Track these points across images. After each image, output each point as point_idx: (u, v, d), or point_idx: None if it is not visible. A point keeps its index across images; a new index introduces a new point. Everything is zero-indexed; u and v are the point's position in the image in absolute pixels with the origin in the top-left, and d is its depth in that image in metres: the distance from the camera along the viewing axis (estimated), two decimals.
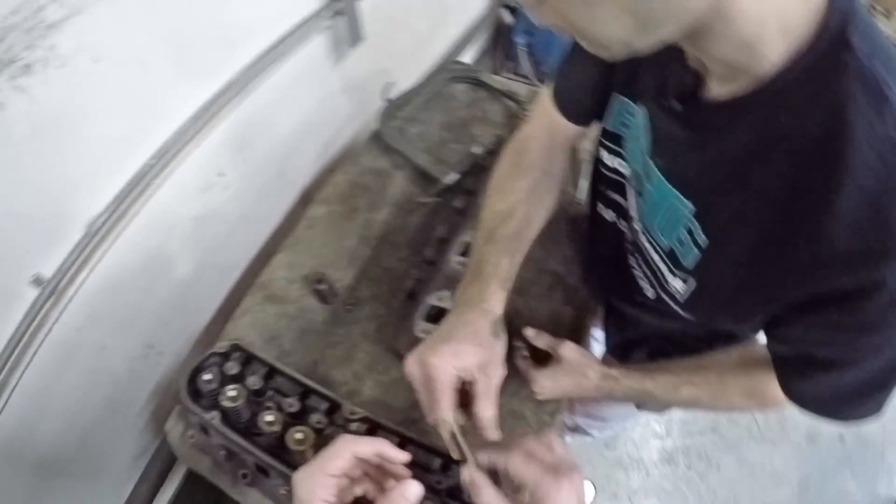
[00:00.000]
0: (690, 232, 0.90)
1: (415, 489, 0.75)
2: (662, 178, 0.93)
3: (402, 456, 0.83)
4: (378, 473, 0.84)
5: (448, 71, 2.13)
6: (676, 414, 3.12)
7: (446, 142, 1.92)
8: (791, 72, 0.67)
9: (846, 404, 0.90)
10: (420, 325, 1.22)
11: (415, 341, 1.18)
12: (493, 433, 1.01)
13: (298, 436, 1.09)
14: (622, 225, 1.23)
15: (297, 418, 1.19)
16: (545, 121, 1.29)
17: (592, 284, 1.55)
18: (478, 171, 1.72)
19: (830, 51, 0.65)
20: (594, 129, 1.20)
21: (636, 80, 0.98)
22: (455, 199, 1.62)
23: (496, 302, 1.11)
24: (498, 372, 1.05)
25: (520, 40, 3.72)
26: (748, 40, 0.66)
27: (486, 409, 1.01)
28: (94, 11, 1.06)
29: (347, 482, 0.79)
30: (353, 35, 1.95)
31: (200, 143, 1.44)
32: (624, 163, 1.11)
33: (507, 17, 3.80)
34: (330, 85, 2.04)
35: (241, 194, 1.74)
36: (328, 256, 1.58)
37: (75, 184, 1.19)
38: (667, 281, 1.02)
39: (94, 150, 1.19)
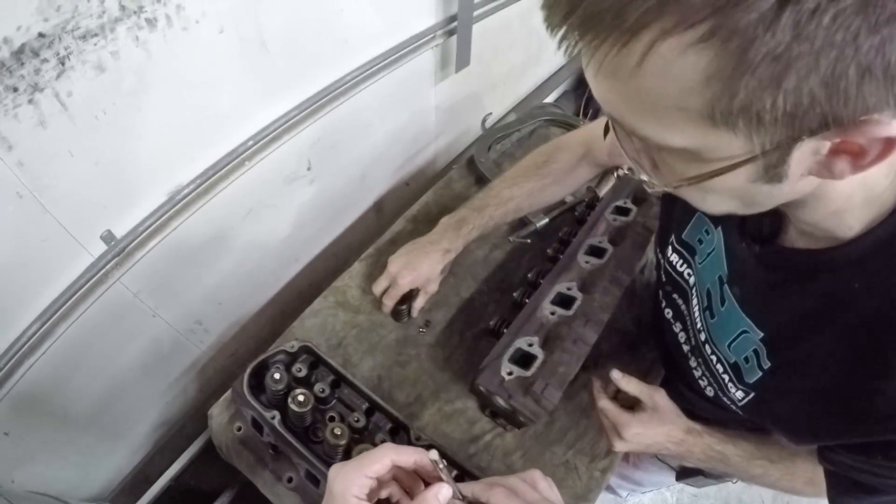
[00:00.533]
0: (757, 354, 0.93)
1: (446, 491, 0.77)
2: (736, 305, 0.96)
3: (438, 465, 0.83)
4: (408, 479, 0.85)
5: (546, 112, 2.11)
6: (688, 488, 3.04)
7: None
8: (867, 244, 0.71)
9: None
10: (507, 367, 1.19)
11: (500, 381, 1.17)
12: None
13: (337, 430, 1.09)
14: (678, 327, 1.24)
15: (360, 434, 1.18)
16: (588, 138, 1.46)
17: (658, 356, 1.53)
18: (569, 220, 1.70)
19: None
20: None
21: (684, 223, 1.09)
22: (545, 244, 1.61)
23: (456, 250, 1.46)
24: (434, 288, 1.50)
25: None
26: (836, 210, 0.70)
27: (419, 304, 1.47)
28: None
29: (377, 484, 0.80)
30: (462, 58, 1.93)
31: (297, 133, 1.43)
32: (691, 272, 1.13)
33: None
34: (425, 101, 2.01)
35: (322, 191, 1.71)
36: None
37: (169, 149, 1.16)
38: (728, 389, 1.05)
39: (196, 120, 1.17)
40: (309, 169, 1.58)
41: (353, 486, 0.74)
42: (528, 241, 1.68)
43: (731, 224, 0.95)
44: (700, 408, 1.30)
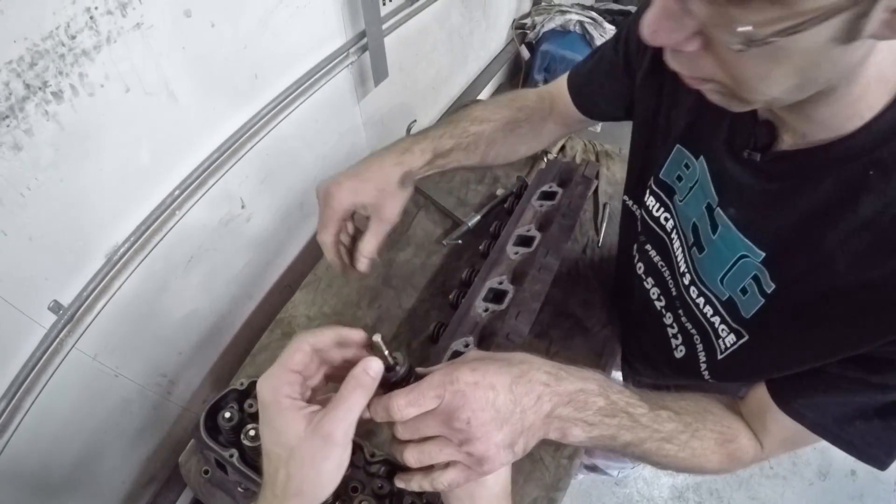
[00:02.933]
0: (757, 280, 0.90)
1: (376, 365, 0.73)
2: (733, 227, 0.93)
3: (359, 334, 0.80)
4: (335, 370, 0.81)
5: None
6: None
7: (468, 183, 1.93)
8: (881, 127, 0.70)
9: (867, 440, 0.88)
10: None
11: None
12: (363, 265, 1.16)
13: None
14: (650, 283, 1.23)
15: None
16: (551, 94, 1.38)
17: (615, 334, 1.55)
18: (501, 213, 1.74)
19: None
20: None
21: (698, 133, 1.00)
22: (477, 242, 1.63)
23: (418, 158, 1.18)
24: (392, 216, 1.15)
25: (538, 77, 3.80)
26: (855, 100, 0.69)
27: (368, 243, 1.14)
28: (126, 41, 1.08)
29: (302, 380, 0.75)
30: (378, 72, 1.98)
31: (224, 174, 1.47)
32: (669, 215, 1.12)
33: (525, 54, 3.86)
34: (352, 119, 2.06)
35: (261, 226, 1.75)
36: (349, 295, 1.58)
37: (99, 212, 1.20)
38: (718, 335, 1.02)
39: (119, 180, 1.21)
40: (243, 207, 1.62)
41: (282, 386, 0.71)
42: (460, 241, 1.73)
43: (717, 147, 0.94)
44: (660, 374, 1.34)
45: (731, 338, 0.98)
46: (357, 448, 1.20)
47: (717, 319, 1.01)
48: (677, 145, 1.05)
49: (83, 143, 1.09)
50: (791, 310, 0.86)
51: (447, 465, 0.77)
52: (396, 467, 1.16)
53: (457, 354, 1.26)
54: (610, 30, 4.06)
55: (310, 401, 0.74)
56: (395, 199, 1.15)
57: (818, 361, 0.84)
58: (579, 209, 1.56)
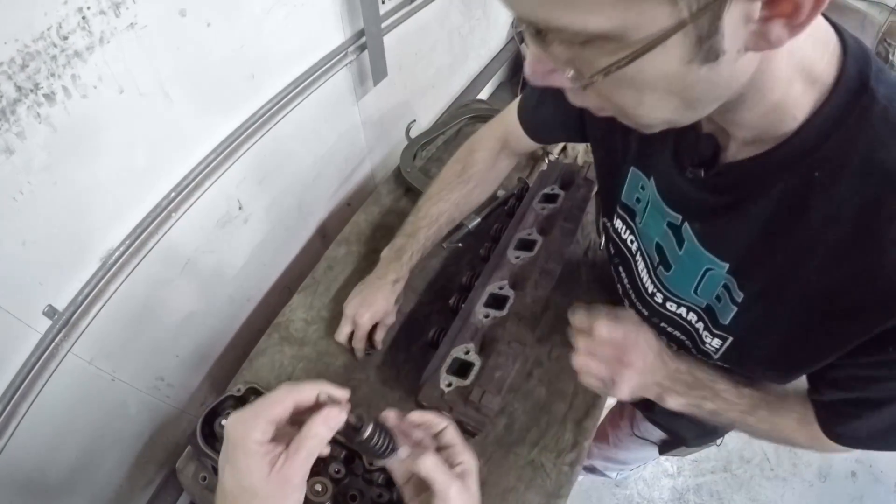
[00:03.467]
0: (727, 288, 0.92)
1: (335, 414, 0.77)
2: (696, 242, 0.94)
3: (343, 393, 0.83)
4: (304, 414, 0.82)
5: (470, 110, 2.13)
6: (690, 455, 3.07)
7: None
8: (818, 125, 0.70)
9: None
10: (445, 379, 1.23)
11: (440, 394, 1.20)
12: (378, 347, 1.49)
13: (318, 487, 1.09)
14: (626, 303, 1.29)
15: (315, 467, 1.18)
16: (502, 130, 1.49)
17: None
18: (501, 216, 1.72)
19: (853, 98, 0.68)
20: None
21: (648, 153, 1.01)
22: (478, 245, 1.62)
23: (403, 278, 1.48)
24: (392, 320, 1.50)
25: None
26: (778, 103, 0.70)
27: (379, 337, 1.47)
28: (119, 41, 1.07)
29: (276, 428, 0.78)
30: (378, 71, 1.97)
31: (221, 175, 1.46)
32: (633, 237, 1.15)
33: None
34: (351, 119, 2.05)
35: (259, 227, 1.75)
36: (342, 298, 1.55)
37: (93, 216, 1.19)
38: (703, 340, 1.04)
39: (113, 182, 1.20)
40: (241, 209, 1.62)
41: (254, 432, 0.73)
42: (461, 244, 1.72)
43: (665, 165, 0.94)
44: None
45: (717, 341, 1.01)
46: (356, 456, 1.20)
47: (700, 325, 1.04)
48: (632, 167, 1.07)
49: (77, 146, 1.08)
50: (764, 316, 0.89)
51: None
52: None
53: (457, 362, 1.27)
54: None
55: (273, 439, 0.76)
56: (393, 310, 1.49)
57: (808, 363, 0.90)
58: (582, 212, 1.55)
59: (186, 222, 1.40)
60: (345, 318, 1.45)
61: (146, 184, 1.29)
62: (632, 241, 1.16)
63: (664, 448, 1.77)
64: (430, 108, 2.78)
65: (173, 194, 1.34)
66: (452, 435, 0.88)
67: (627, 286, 1.24)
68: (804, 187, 0.74)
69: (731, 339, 0.98)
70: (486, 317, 1.33)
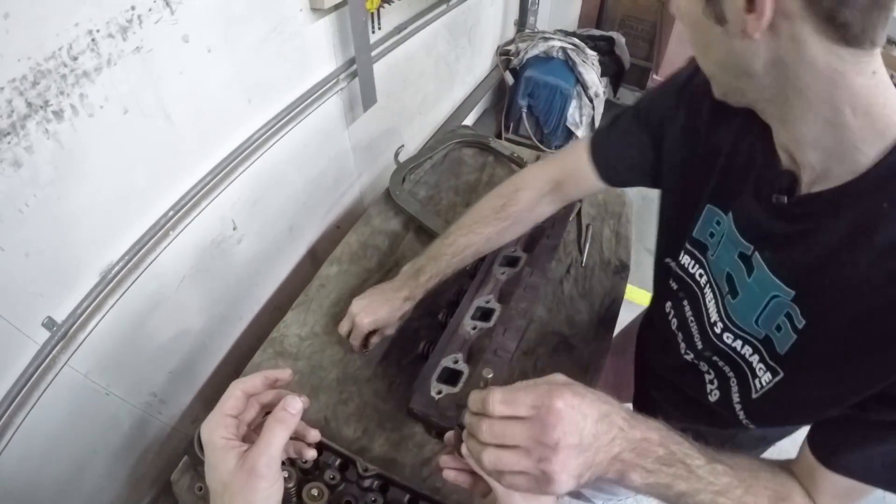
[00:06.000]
0: (790, 317, 0.93)
1: (297, 402, 0.82)
2: (766, 269, 0.97)
3: (283, 372, 0.91)
4: (271, 408, 0.87)
5: (457, 135, 2.17)
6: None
7: (456, 206, 1.96)
8: (887, 166, 0.76)
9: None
10: (436, 387, 1.26)
11: (431, 402, 1.22)
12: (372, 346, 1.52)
13: (314, 492, 1.12)
14: (681, 336, 1.28)
15: (311, 474, 1.22)
16: (558, 172, 1.44)
17: (600, 350, 1.62)
18: None
19: None
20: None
21: (727, 190, 1.06)
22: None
23: (415, 297, 1.47)
24: (392, 332, 1.53)
25: (522, 102, 3.86)
26: (834, 124, 0.77)
27: (375, 339, 1.50)
28: (126, 64, 1.12)
29: (237, 422, 0.84)
30: (367, 97, 2.02)
31: (217, 197, 1.50)
32: (703, 271, 1.17)
33: (510, 79, 3.90)
34: (341, 143, 2.10)
35: (252, 248, 1.78)
36: (340, 316, 1.56)
37: (94, 231, 1.22)
38: (755, 374, 1.04)
39: (115, 199, 1.23)
40: (235, 229, 1.65)
41: (218, 428, 0.80)
42: None
43: (746, 199, 1.00)
44: (690, 419, 1.34)
45: (768, 376, 1.00)
46: (350, 463, 1.22)
47: (755, 358, 1.04)
48: (708, 205, 1.11)
49: (82, 163, 1.12)
50: (823, 342, 0.89)
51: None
52: (388, 482, 1.19)
53: (447, 371, 1.30)
54: (592, 55, 4.15)
55: (246, 438, 0.82)
56: (397, 321, 1.49)
57: (852, 396, 0.86)
58: (563, 230, 1.62)
59: (183, 241, 1.44)
60: (348, 314, 1.47)
61: (146, 202, 1.33)
62: (701, 275, 1.18)
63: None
64: (418, 134, 2.83)
65: (171, 213, 1.38)
66: None
67: (690, 318, 1.23)
68: (873, 216, 0.79)
69: (782, 374, 0.98)
70: (474, 328, 1.37)
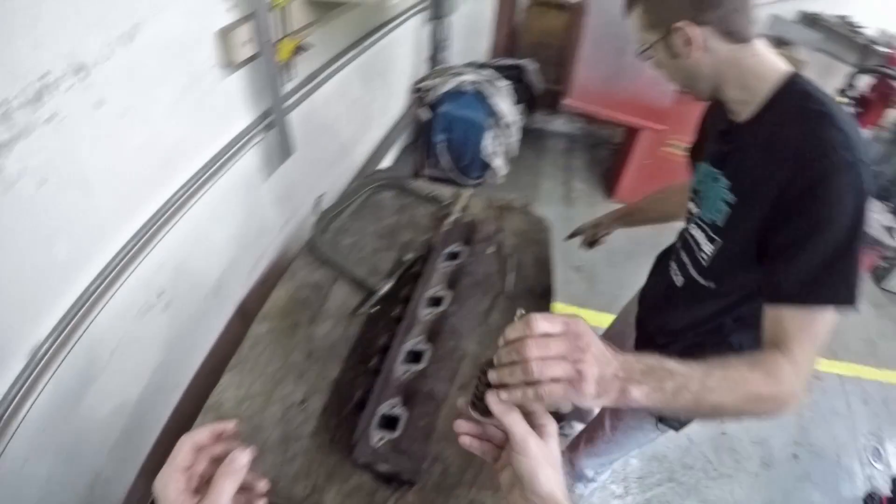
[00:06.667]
0: (724, 199, 1.45)
1: (244, 455, 0.84)
2: (721, 176, 1.49)
3: (231, 425, 0.93)
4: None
5: (374, 180, 2.20)
6: (633, 471, 3.30)
7: (379, 251, 2.00)
8: (777, 103, 1.34)
9: (823, 284, 1.21)
10: (376, 435, 1.29)
11: (374, 451, 1.26)
12: None
13: None
14: (673, 258, 1.78)
15: None
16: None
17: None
18: (410, 278, 1.82)
19: (795, 90, 1.32)
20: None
21: (705, 148, 1.66)
22: (391, 308, 1.70)
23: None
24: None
25: (439, 138, 3.91)
26: (743, 87, 1.39)
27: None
28: (41, 134, 1.11)
29: (189, 475, 0.85)
30: (284, 148, 2.04)
31: (140, 263, 1.48)
32: (694, 205, 1.65)
33: (426, 115, 3.95)
34: (262, 197, 2.10)
35: (180, 312, 1.76)
36: (276, 373, 1.59)
37: (17, 311, 1.20)
38: (700, 248, 1.58)
39: (36, 276, 1.21)
40: (161, 294, 1.64)
41: (169, 482, 0.80)
42: (377, 308, 1.78)
43: (712, 144, 1.59)
44: (672, 312, 1.79)
45: (710, 246, 1.53)
46: None
47: (701, 235, 1.57)
48: (699, 163, 1.66)
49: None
50: (743, 209, 1.39)
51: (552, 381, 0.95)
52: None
53: (385, 418, 1.36)
54: (503, 85, 4.24)
55: (198, 490, 0.83)
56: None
57: (761, 234, 1.32)
58: (484, 265, 1.74)
59: (110, 312, 1.42)
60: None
61: (69, 275, 1.31)
62: (694, 209, 1.65)
63: (664, 420, 1.91)
64: (339, 179, 2.84)
65: (96, 284, 1.36)
66: (537, 406, 0.97)
67: (687, 237, 1.69)
68: (774, 133, 1.31)
69: (721, 241, 1.48)
70: (406, 372, 1.42)
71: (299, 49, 1.98)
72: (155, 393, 1.76)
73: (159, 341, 1.72)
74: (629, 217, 2.29)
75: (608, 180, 5.67)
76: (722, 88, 1.42)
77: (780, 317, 1.24)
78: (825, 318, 1.21)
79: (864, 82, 5.32)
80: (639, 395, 1.02)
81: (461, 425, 1.04)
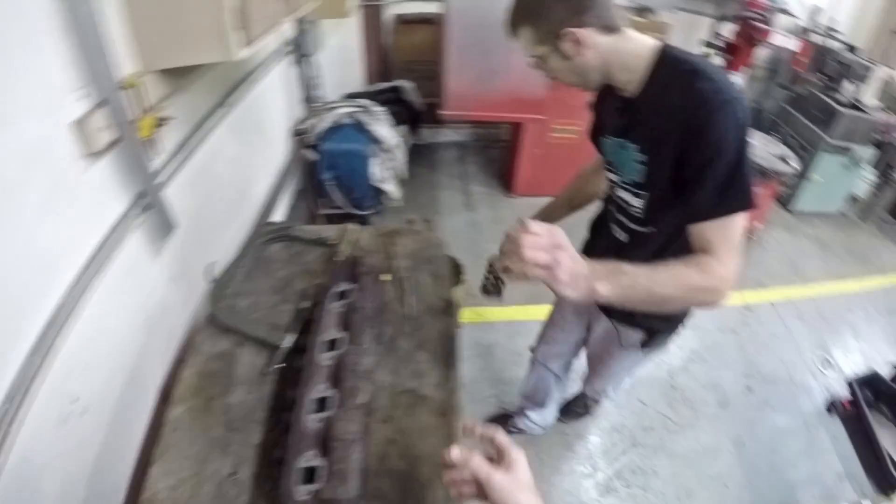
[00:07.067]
0: (637, 160, 1.73)
1: None
2: (629, 144, 1.75)
3: None
4: None
5: (260, 235, 2.22)
6: (595, 447, 3.45)
7: (276, 305, 2.01)
8: (657, 75, 1.61)
9: (726, 197, 1.54)
10: (301, 492, 1.35)
11: None
12: None
13: None
14: (611, 218, 2.05)
15: None
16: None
17: (452, 391, 1.94)
18: (309, 325, 1.86)
19: (668, 60, 1.60)
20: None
21: (608, 125, 1.87)
22: (297, 360, 1.74)
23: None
24: None
25: (326, 176, 3.94)
26: (627, 69, 1.64)
27: None
28: None
29: None
30: (165, 225, 2.04)
31: (45, 377, 1.46)
32: (612, 173, 1.93)
33: (312, 156, 3.95)
34: (155, 278, 2.10)
35: (101, 412, 1.75)
36: (201, 452, 1.59)
37: None
38: (631, 205, 1.86)
39: None
40: (75, 401, 1.62)
41: None
42: (283, 364, 1.80)
43: (612, 121, 1.82)
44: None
45: (638, 200, 1.82)
46: None
47: (629, 196, 1.85)
48: (607, 138, 1.90)
49: None
50: (653, 163, 1.69)
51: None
52: None
53: (304, 471, 1.42)
54: (379, 111, 4.30)
55: None
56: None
57: (675, 177, 1.61)
58: (375, 297, 1.83)
59: (28, 432, 1.39)
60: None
61: None
62: (614, 180, 1.92)
63: (645, 345, 2.26)
64: (233, 241, 2.84)
65: (4, 409, 1.33)
66: (501, 438, 1.18)
67: (613, 197, 1.99)
68: (661, 101, 1.57)
69: (646, 193, 1.77)
70: (318, 421, 1.47)
71: (161, 122, 1.99)
72: (98, 499, 1.73)
73: (86, 448, 1.70)
74: (553, 214, 2.48)
75: (505, 177, 5.84)
76: (610, 74, 1.69)
77: (702, 230, 1.59)
78: (735, 222, 1.56)
79: (728, 30, 5.78)
80: (602, 289, 1.43)
81: (446, 475, 1.18)
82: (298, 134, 4.05)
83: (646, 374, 3.85)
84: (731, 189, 1.53)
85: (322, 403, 1.52)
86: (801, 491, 3.34)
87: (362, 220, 4.17)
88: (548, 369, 2.92)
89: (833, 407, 3.82)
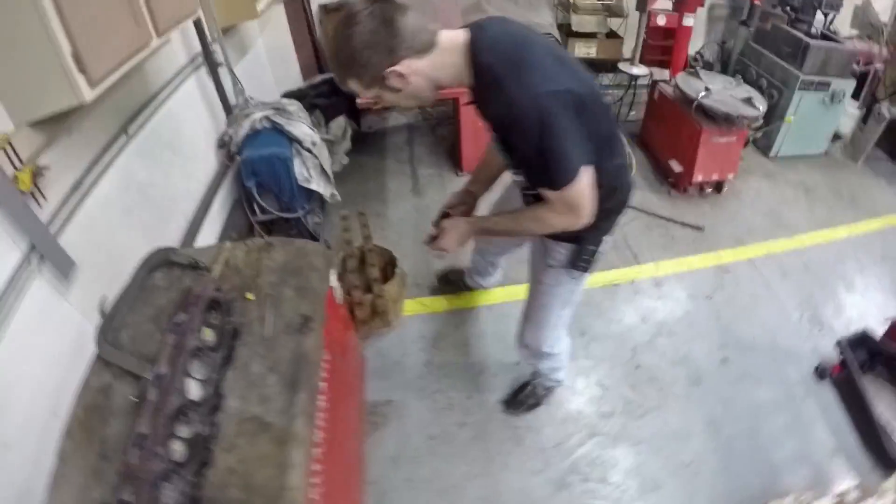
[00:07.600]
0: (498, 144, 2.16)
1: None
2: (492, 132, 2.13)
3: None
4: None
5: (144, 264, 2.18)
6: (550, 441, 3.22)
7: (152, 335, 1.96)
8: (477, 68, 1.85)
9: (543, 179, 1.95)
10: None
11: None
12: None
13: None
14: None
15: None
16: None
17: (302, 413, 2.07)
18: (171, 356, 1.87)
19: (477, 54, 1.84)
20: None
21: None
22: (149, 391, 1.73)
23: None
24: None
25: (249, 183, 3.97)
26: (454, 78, 1.91)
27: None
28: None
29: None
30: (64, 269, 2.12)
31: None
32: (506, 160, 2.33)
33: (236, 165, 3.97)
34: (66, 315, 2.18)
35: (23, 450, 1.84)
36: (83, 484, 1.63)
37: None
38: (517, 173, 2.26)
39: None
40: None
41: None
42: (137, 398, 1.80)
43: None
44: (525, 193, 2.43)
45: (517, 170, 2.24)
46: None
47: (505, 158, 2.27)
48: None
49: None
50: (503, 146, 2.12)
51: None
52: None
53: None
54: (294, 109, 4.31)
55: None
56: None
57: (525, 154, 1.92)
58: (234, 321, 1.91)
59: None
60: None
61: None
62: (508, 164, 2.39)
63: (573, 265, 2.47)
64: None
65: None
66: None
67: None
68: (489, 97, 1.90)
69: (522, 169, 2.16)
70: (183, 446, 1.57)
71: (41, 172, 2.06)
72: None
73: (9, 485, 1.79)
74: (475, 188, 2.87)
75: (453, 157, 5.76)
76: (441, 84, 1.93)
77: (540, 190, 2.01)
78: (562, 193, 1.92)
79: None
80: (478, 229, 2.42)
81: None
82: (223, 145, 4.07)
83: (605, 352, 3.71)
84: (547, 172, 1.89)
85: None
86: (786, 472, 3.08)
87: (298, 224, 4.21)
88: (482, 258, 3.76)
89: (821, 372, 3.53)
